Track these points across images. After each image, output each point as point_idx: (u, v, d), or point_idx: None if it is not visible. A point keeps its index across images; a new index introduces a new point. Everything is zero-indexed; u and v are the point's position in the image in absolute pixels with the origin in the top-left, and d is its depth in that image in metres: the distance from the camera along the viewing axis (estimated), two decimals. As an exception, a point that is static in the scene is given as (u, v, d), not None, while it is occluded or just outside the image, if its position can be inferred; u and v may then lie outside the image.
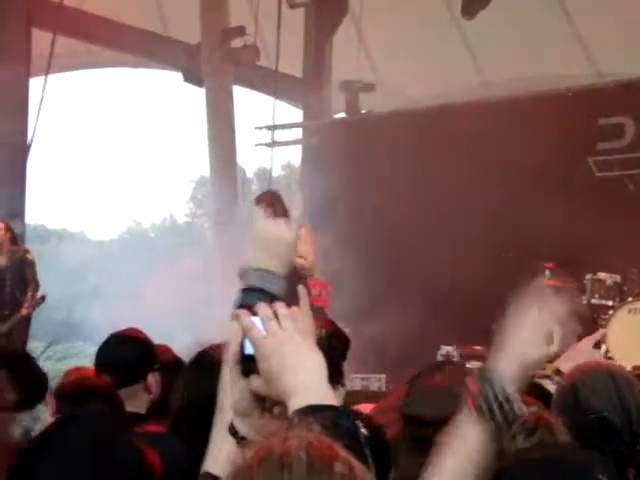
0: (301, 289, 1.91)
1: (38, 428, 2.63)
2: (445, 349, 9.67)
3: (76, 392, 2.89)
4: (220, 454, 1.66)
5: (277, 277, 2.05)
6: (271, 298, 2.02)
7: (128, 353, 3.66)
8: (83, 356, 22.96)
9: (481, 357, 9.71)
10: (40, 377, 2.77)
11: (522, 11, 13.03)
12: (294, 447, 1.32)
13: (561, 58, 13.05)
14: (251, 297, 2.04)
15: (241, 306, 1.93)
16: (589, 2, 12.66)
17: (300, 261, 8.86)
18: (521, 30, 13.19)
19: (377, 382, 9.33)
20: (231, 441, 1.67)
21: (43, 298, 10.02)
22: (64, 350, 24.60)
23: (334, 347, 3.40)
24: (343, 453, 1.34)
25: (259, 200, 9.12)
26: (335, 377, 3.30)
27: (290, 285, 2.08)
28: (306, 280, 9.00)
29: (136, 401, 3.47)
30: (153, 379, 3.60)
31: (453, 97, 12.86)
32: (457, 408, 2.85)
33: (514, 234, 9.99)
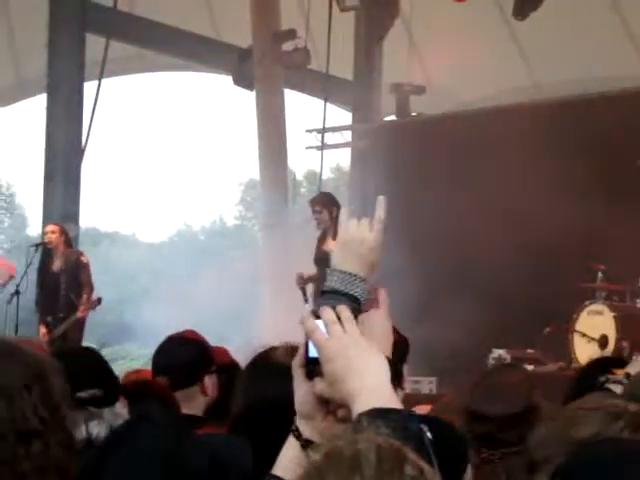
0: (382, 293, 1.92)
1: (118, 424, 2.68)
2: (497, 352, 9.62)
3: (134, 393, 2.92)
4: (284, 457, 1.68)
5: (359, 280, 2.05)
6: (353, 301, 2.02)
7: (184, 355, 3.66)
8: (133, 358, 23.19)
9: (533, 360, 9.68)
10: (114, 374, 2.82)
11: (574, 11, 12.93)
12: (364, 449, 1.33)
13: (614, 59, 12.92)
14: (333, 300, 2.05)
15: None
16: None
17: None
18: (573, 31, 13.09)
19: (428, 385, 9.31)
20: (295, 444, 1.68)
21: (99, 300, 10.09)
22: (115, 352, 24.83)
23: (394, 350, 3.40)
24: (412, 455, 1.35)
25: (314, 202, 9.17)
26: (395, 380, 3.31)
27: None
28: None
29: (192, 403, 3.48)
30: (210, 381, 3.61)
31: (504, 99, 12.80)
32: (524, 408, 2.85)
33: (566, 236, 9.92)
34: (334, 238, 8.32)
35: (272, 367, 2.67)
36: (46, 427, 1.57)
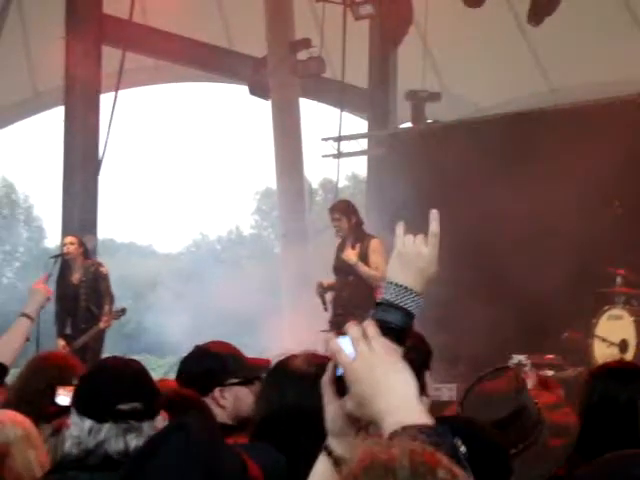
0: (434, 213, 1.95)
1: None
2: (517, 358, 9.60)
3: (174, 406, 2.92)
4: (316, 474, 1.68)
5: (414, 294, 2.06)
6: (406, 314, 2.03)
7: (196, 367, 3.67)
8: (153, 368, 23.22)
9: (554, 366, 9.66)
10: (156, 387, 2.82)
11: (588, 15, 12.92)
12: (398, 454, 1.34)
13: (629, 62, 12.89)
14: (384, 312, 2.06)
15: (375, 320, 1.93)
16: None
17: (372, 272, 8.92)
18: (588, 35, 13.08)
19: (448, 392, 9.30)
20: (326, 461, 1.67)
21: (124, 310, 10.12)
22: (134, 362, 24.84)
23: (417, 358, 3.41)
24: (446, 460, 1.36)
25: (333, 209, 9.19)
26: (421, 388, 3.32)
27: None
28: (377, 290, 9.05)
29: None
30: (227, 392, 3.59)
31: (520, 105, 12.80)
32: (511, 412, 2.86)
33: (584, 241, 9.89)
34: (353, 246, 8.31)
35: (292, 375, 2.68)
36: None
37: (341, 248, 9.09)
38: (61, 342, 9.86)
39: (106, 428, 2.66)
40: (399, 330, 2.14)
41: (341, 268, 9.07)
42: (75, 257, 10.00)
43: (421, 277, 2.06)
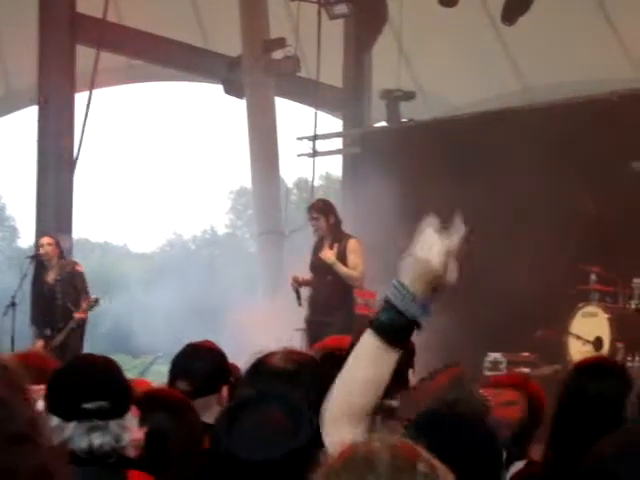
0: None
1: (127, 437, 2.70)
2: (492, 356, 9.65)
3: (146, 404, 2.93)
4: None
5: (410, 295, 2.07)
6: (395, 312, 2.05)
7: (207, 363, 3.69)
8: (127, 368, 23.10)
9: (529, 363, 9.71)
10: (127, 385, 2.82)
11: (562, 15, 12.99)
12: (377, 448, 1.36)
13: (602, 61, 12.98)
14: (381, 310, 2.08)
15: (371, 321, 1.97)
16: (630, 4, 12.59)
17: (350, 272, 8.93)
18: (562, 34, 13.15)
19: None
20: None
21: (97, 300, 10.04)
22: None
23: (402, 357, 3.44)
24: (425, 454, 1.38)
25: (311, 208, 9.18)
26: (401, 385, 3.34)
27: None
28: (354, 290, 9.07)
29: (209, 412, 3.50)
30: (226, 392, 3.63)
31: (494, 104, 12.85)
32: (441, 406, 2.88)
33: (560, 239, 9.95)
34: (331, 246, 8.29)
35: (270, 372, 2.70)
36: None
37: (319, 247, 9.09)
38: (40, 342, 9.80)
39: (71, 426, 2.67)
40: (386, 326, 2.16)
41: (319, 267, 9.06)
42: (51, 257, 9.96)
43: (421, 281, 2.06)
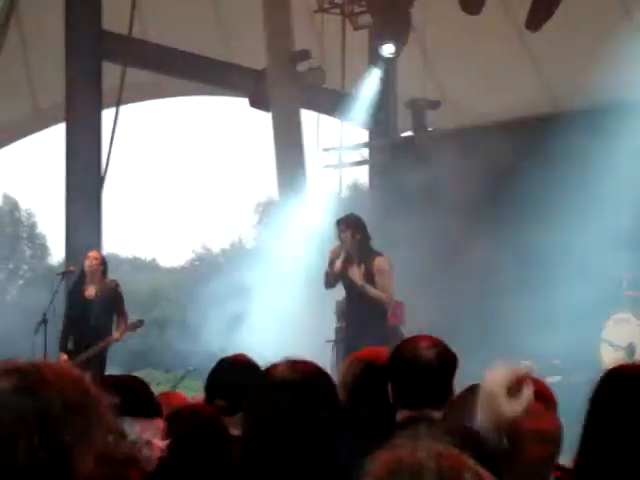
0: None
1: (146, 452, 2.70)
2: (524, 363, 9.58)
3: (174, 423, 2.93)
4: None
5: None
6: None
7: (242, 378, 3.67)
8: (159, 382, 23.21)
9: (560, 370, 9.64)
10: (152, 402, 2.82)
11: (587, 21, 12.93)
12: (424, 458, 1.34)
13: (628, 67, 12.89)
14: None
15: None
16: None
17: (379, 294, 8.86)
18: (587, 40, 13.08)
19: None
20: None
21: (141, 322, 10.13)
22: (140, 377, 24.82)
23: (445, 366, 3.45)
24: (472, 463, 1.37)
25: (340, 221, 9.15)
26: (446, 395, 3.35)
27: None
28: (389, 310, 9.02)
29: None
30: None
31: (520, 111, 12.80)
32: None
33: (598, 245, 9.90)
34: (358, 265, 8.24)
35: (276, 382, 2.71)
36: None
37: (346, 261, 9.01)
38: (63, 356, 9.80)
39: None
40: None
41: (348, 284, 9.01)
42: (94, 272, 9.98)
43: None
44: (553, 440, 2.93)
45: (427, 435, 1.41)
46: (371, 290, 8.79)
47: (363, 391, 3.63)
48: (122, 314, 9.97)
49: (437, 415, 3.29)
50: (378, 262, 8.88)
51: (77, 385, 1.48)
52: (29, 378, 1.44)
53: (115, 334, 9.89)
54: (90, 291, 9.93)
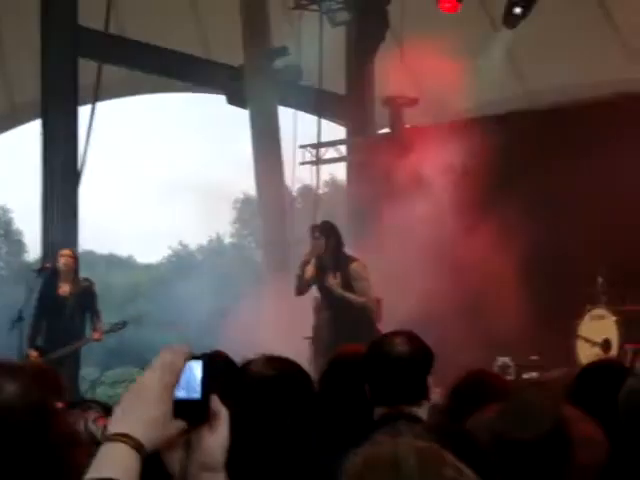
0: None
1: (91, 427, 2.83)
2: (501, 360, 9.64)
3: None
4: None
5: None
6: None
7: (222, 374, 3.67)
8: (133, 380, 23.14)
9: (537, 367, 9.69)
10: None
11: (563, 18, 12.98)
12: (403, 452, 1.34)
13: (604, 63, 12.97)
14: None
15: None
16: (631, 5, 12.59)
17: (358, 299, 8.84)
18: (563, 36, 13.14)
19: (433, 395, 9.30)
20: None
21: (124, 323, 10.08)
22: (116, 375, 24.77)
23: (419, 362, 3.43)
24: (451, 458, 1.36)
25: (314, 228, 9.12)
26: (421, 392, 3.34)
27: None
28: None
29: None
30: None
31: (496, 107, 12.84)
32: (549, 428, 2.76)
33: (568, 242, 9.95)
34: (334, 274, 8.18)
35: (251, 378, 2.71)
36: None
37: (320, 268, 8.98)
38: (33, 353, 9.65)
39: None
40: None
41: (326, 293, 8.98)
42: (69, 270, 9.92)
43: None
44: (599, 445, 2.81)
45: (407, 432, 1.41)
46: (351, 297, 8.77)
47: (338, 388, 3.64)
48: (96, 313, 9.91)
49: (415, 411, 3.28)
50: (353, 267, 8.83)
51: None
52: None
53: (94, 334, 9.82)
54: (64, 289, 9.88)
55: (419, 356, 3.41)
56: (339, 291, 8.76)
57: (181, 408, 1.54)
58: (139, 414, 1.50)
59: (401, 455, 1.33)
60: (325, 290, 8.98)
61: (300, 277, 9.12)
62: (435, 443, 1.38)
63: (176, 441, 1.54)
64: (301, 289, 9.18)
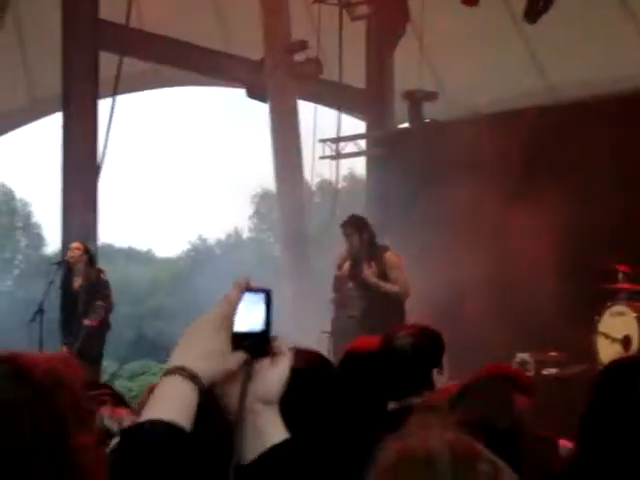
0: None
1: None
2: (520, 356, 9.59)
3: None
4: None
5: None
6: None
7: None
8: (154, 373, 23.21)
9: (557, 363, 9.65)
10: None
11: (584, 12, 12.92)
12: (436, 447, 1.31)
13: (626, 58, 12.89)
14: None
15: None
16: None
17: (394, 288, 8.83)
18: (584, 32, 13.08)
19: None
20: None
21: (106, 307, 9.92)
22: (134, 368, 24.86)
23: (421, 355, 3.40)
24: (486, 452, 1.33)
25: (345, 224, 9.10)
26: (424, 384, 3.31)
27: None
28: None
29: None
30: None
31: (517, 102, 12.78)
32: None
33: (586, 237, 9.90)
34: (369, 264, 8.23)
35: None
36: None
37: (355, 264, 8.96)
38: (64, 349, 9.79)
39: None
40: None
41: (364, 286, 8.96)
42: (77, 263, 9.95)
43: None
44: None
45: (438, 423, 1.38)
46: (384, 287, 8.76)
47: (353, 381, 3.63)
48: (102, 299, 9.82)
49: (415, 401, 3.25)
50: (388, 256, 8.87)
51: (56, 367, 1.57)
52: (16, 365, 1.53)
53: (85, 322, 9.73)
54: (78, 282, 9.92)
55: (420, 349, 3.38)
56: (374, 280, 8.76)
57: (243, 341, 1.54)
58: (195, 347, 1.51)
59: (434, 451, 1.30)
60: (360, 281, 8.95)
61: (337, 278, 9.14)
62: (467, 435, 1.35)
63: (236, 374, 1.54)
64: (338, 288, 9.19)
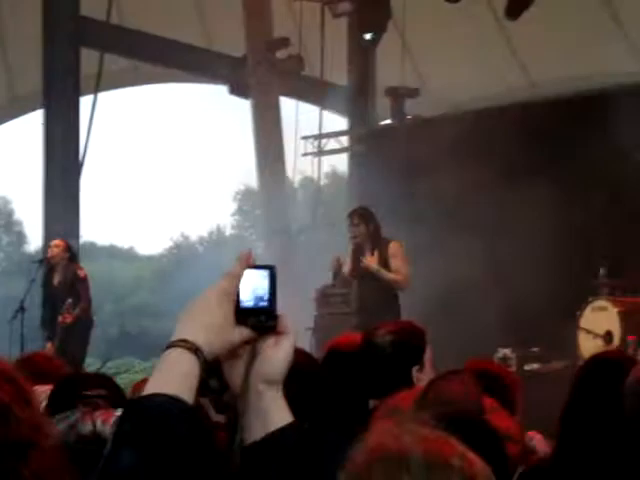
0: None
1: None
2: (502, 352, 9.62)
3: None
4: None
5: None
6: None
7: None
8: (136, 371, 23.16)
9: (539, 358, 9.68)
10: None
11: (566, 9, 12.96)
12: (409, 443, 1.31)
13: (606, 55, 12.95)
14: None
15: None
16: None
17: (395, 277, 8.86)
18: (566, 28, 13.12)
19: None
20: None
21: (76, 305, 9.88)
22: (117, 365, 24.78)
23: (400, 354, 3.39)
24: (460, 447, 1.33)
25: (353, 214, 9.11)
26: (403, 383, 3.29)
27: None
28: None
29: None
30: None
31: (499, 99, 12.82)
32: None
33: (569, 233, 9.94)
34: (372, 252, 8.27)
35: None
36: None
37: (357, 254, 8.99)
38: (49, 345, 9.77)
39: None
40: None
41: (364, 275, 8.98)
42: (58, 260, 9.93)
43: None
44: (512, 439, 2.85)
45: (411, 419, 1.37)
46: (386, 275, 8.80)
47: (334, 378, 3.62)
48: (78, 297, 9.79)
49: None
50: (392, 247, 8.90)
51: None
52: None
53: (59, 319, 9.69)
54: (57, 279, 9.90)
55: (400, 348, 3.37)
56: (375, 267, 8.78)
57: (248, 317, 1.53)
58: (197, 320, 1.51)
59: (407, 448, 1.30)
60: (362, 273, 8.98)
61: (342, 279, 9.25)
62: (442, 431, 1.34)
63: (240, 351, 1.53)
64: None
